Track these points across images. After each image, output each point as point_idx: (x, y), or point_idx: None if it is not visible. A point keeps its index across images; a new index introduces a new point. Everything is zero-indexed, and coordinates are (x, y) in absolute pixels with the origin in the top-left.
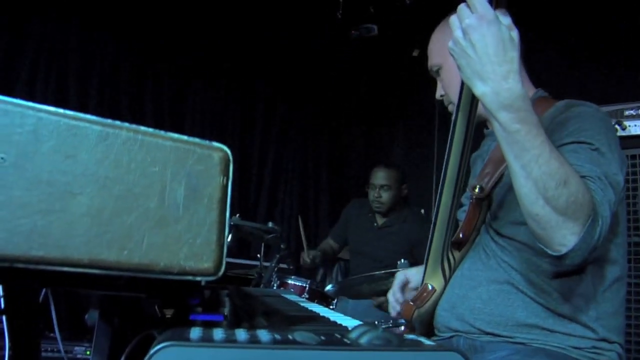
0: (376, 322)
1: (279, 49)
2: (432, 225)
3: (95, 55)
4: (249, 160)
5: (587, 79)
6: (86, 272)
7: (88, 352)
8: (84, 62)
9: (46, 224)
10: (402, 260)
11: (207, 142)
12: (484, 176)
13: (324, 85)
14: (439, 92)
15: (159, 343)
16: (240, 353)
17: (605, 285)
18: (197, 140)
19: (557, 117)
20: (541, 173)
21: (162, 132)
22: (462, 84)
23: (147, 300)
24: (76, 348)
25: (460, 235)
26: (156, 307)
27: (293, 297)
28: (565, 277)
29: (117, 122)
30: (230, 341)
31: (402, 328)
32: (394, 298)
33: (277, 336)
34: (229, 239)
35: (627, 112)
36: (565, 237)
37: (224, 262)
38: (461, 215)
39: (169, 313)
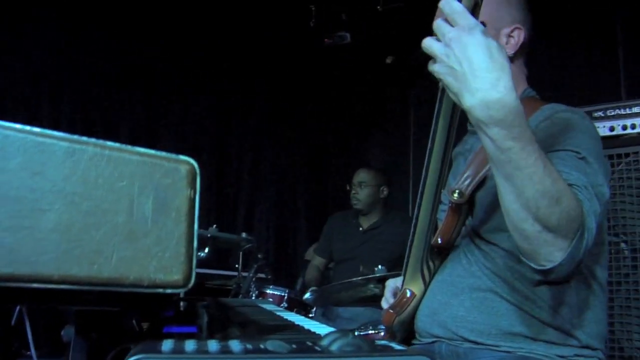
0: (361, 328)
1: (253, 59)
2: (411, 230)
3: (67, 69)
4: (226, 171)
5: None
6: (57, 288)
7: None
8: (57, 77)
9: (15, 240)
10: (380, 267)
11: (173, 156)
12: (464, 179)
13: (298, 95)
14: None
15: (131, 356)
16: None
17: (588, 292)
18: (163, 154)
19: (542, 121)
20: (534, 192)
21: (128, 147)
22: (442, 90)
23: (124, 314)
24: None
25: (439, 241)
26: (134, 321)
27: (270, 307)
28: (550, 285)
29: (84, 138)
30: (202, 352)
31: (382, 333)
32: (387, 306)
33: (249, 346)
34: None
35: (595, 114)
36: (552, 253)
37: (193, 274)
38: (441, 215)
39: (146, 326)
